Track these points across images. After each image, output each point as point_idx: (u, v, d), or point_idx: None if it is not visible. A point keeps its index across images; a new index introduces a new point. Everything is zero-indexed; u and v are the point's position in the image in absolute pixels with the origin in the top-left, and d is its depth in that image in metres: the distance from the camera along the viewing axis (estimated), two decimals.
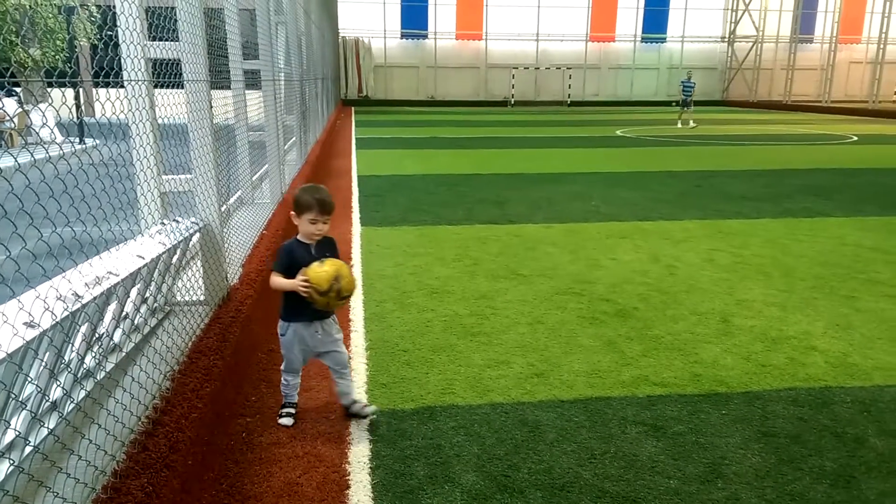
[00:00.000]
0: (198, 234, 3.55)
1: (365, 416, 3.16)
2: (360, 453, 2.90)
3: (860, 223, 7.84)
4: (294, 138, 9.75)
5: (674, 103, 25.11)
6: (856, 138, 19.61)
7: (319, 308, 2.96)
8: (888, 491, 2.69)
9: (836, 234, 7.28)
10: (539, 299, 5.06)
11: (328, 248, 3.09)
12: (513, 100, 39.68)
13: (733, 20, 42.07)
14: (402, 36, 40.23)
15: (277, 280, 3.00)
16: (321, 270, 2.88)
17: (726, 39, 42.82)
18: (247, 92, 6.16)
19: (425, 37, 40.19)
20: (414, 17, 39.55)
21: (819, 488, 2.71)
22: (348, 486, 2.66)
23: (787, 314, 4.75)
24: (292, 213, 3.03)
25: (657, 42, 42.08)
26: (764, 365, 3.90)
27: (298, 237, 3.06)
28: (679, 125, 23.17)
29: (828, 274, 5.74)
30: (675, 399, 3.48)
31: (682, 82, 24.41)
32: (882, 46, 33.09)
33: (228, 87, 5.67)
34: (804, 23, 41.01)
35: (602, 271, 5.82)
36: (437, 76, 40.57)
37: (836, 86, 38.28)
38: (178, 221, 3.42)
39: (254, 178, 6.41)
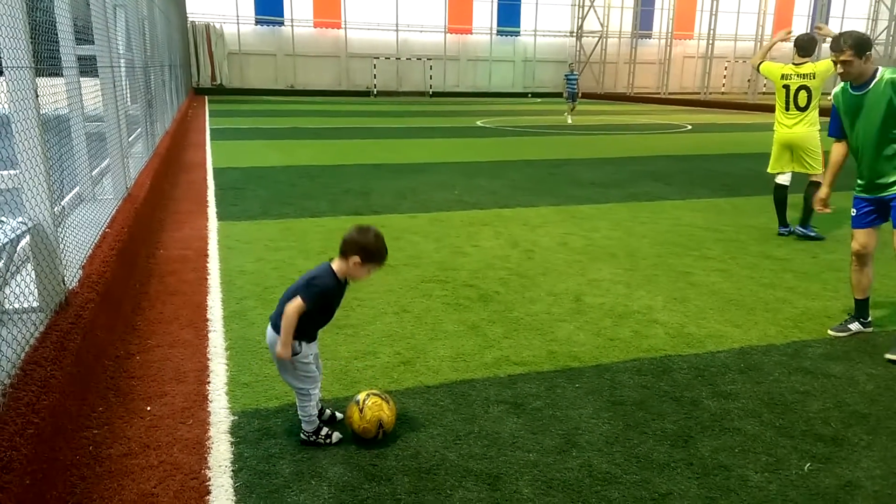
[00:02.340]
0: (27, 236, 3.23)
1: (339, 420, 3.09)
2: (220, 457, 2.79)
3: (693, 205, 8.60)
4: (140, 129, 9.12)
5: (564, 96, 25.15)
6: (690, 127, 21.44)
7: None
8: (720, 447, 2.99)
9: (673, 215, 7.94)
10: (405, 288, 5.11)
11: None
12: (375, 90, 39.51)
13: (580, 16, 44.40)
14: (257, 22, 38.74)
15: (291, 324, 2.74)
16: (364, 424, 2.89)
17: (574, 34, 45.13)
18: (82, 80, 5.67)
19: (281, 24, 38.96)
20: (268, 3, 38.20)
21: (661, 449, 2.96)
22: (209, 492, 2.56)
23: (631, 291, 5.12)
24: (356, 258, 2.78)
25: (511, 35, 43.55)
26: (612, 339, 4.19)
27: (337, 272, 2.84)
28: (569, 119, 22.51)
29: (666, 252, 6.25)
30: (533, 377, 3.65)
31: (566, 76, 23.80)
32: (711, 42, 36.37)
33: (60, 75, 5.19)
34: (643, 19, 44.10)
35: (465, 258, 5.97)
36: (297, 65, 39.52)
37: (672, 78, 41.60)
38: (2, 222, 3.09)
39: (94, 173, 5.93)
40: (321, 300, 2.81)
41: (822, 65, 6.47)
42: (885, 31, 33.17)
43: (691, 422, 3.20)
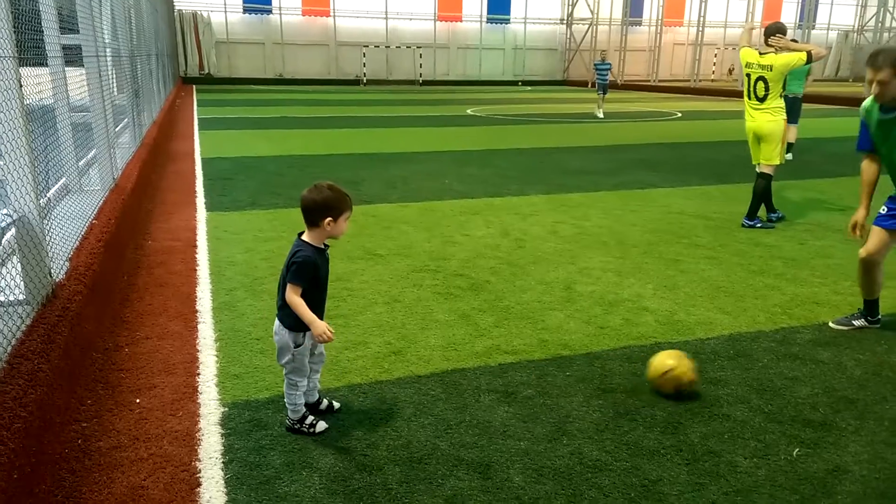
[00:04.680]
0: (12, 229, 3.20)
1: (336, 410, 3.09)
2: (211, 449, 2.79)
3: (684, 192, 8.61)
4: (126, 119, 9.03)
5: (590, 84, 22.09)
6: (680, 114, 21.46)
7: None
8: (709, 433, 3.01)
9: (663, 203, 7.95)
10: (396, 278, 5.10)
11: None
12: (365, 78, 39.28)
13: (570, 3, 44.22)
14: (245, 10, 38.36)
15: (302, 306, 2.72)
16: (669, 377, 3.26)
17: (565, 21, 44.97)
18: (67, 69, 5.59)
19: (269, 12, 38.60)
20: None
21: (651, 436, 2.98)
22: (199, 484, 2.55)
23: (622, 279, 5.13)
24: (327, 219, 2.75)
25: (501, 23, 43.34)
26: (602, 327, 4.20)
27: (312, 242, 2.81)
28: (600, 113, 19.99)
29: (656, 240, 6.27)
30: (524, 365, 3.65)
31: (596, 65, 21.15)
32: (701, 29, 36.34)
33: (45, 64, 5.12)
34: (634, 6, 43.96)
35: (456, 247, 5.96)
36: (286, 53, 39.21)
37: (662, 66, 41.56)
38: None
39: (80, 164, 5.87)
40: (309, 272, 2.78)
41: (782, 59, 6.39)
42: (874, 18, 33.25)
43: (681, 408, 3.22)
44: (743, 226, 6.78)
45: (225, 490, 2.54)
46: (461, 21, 42.42)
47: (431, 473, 2.67)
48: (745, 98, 6.77)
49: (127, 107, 9.02)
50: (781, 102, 6.65)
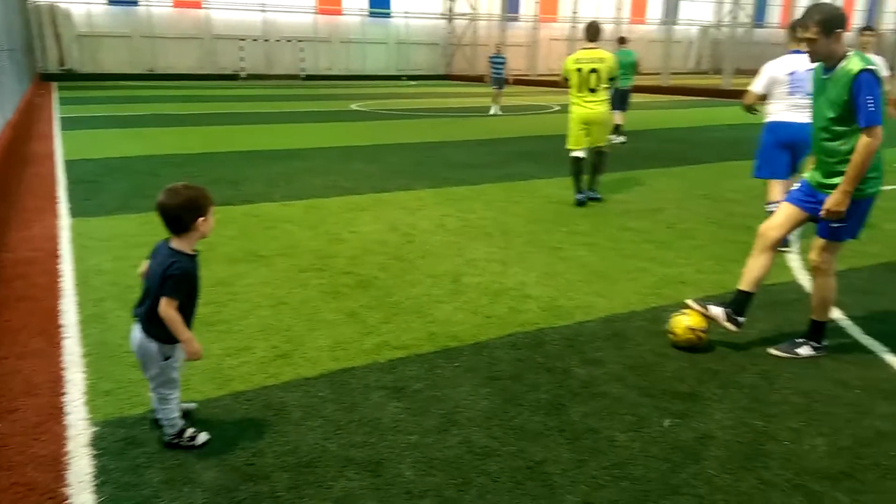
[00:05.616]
0: None
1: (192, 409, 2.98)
2: (80, 472, 2.61)
3: (562, 182, 8.92)
4: None
5: (485, 79, 20.20)
6: (557, 108, 22.25)
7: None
8: (588, 412, 3.16)
9: (544, 193, 8.24)
10: (281, 279, 4.97)
11: None
12: (244, 73, 37.90)
13: None
14: (109, 2, 35.92)
15: (179, 322, 2.59)
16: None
17: (446, 16, 45.45)
18: None
19: (136, 3, 36.36)
20: None
21: (536, 419, 3.08)
22: None
23: (506, 268, 5.27)
24: (199, 220, 2.60)
25: (383, 17, 43.17)
26: (489, 316, 4.30)
27: (184, 249, 2.63)
28: (494, 111, 19.31)
29: (539, 230, 6.49)
30: (413, 359, 3.68)
31: (491, 58, 19.55)
32: (574, 25, 37.86)
33: None
34: (511, 2, 45.10)
35: (343, 245, 5.89)
36: (156, 47, 37.05)
37: (540, 61, 42.94)
38: None
39: None
40: (186, 286, 2.67)
41: (610, 56, 7.49)
42: (730, 14, 35.89)
43: (563, 390, 3.36)
44: (590, 197, 7.70)
45: None
46: (342, 14, 41.83)
47: (321, 476, 2.64)
48: (576, 91, 7.57)
49: None
50: (607, 94, 7.60)
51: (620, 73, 9.86)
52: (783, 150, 5.74)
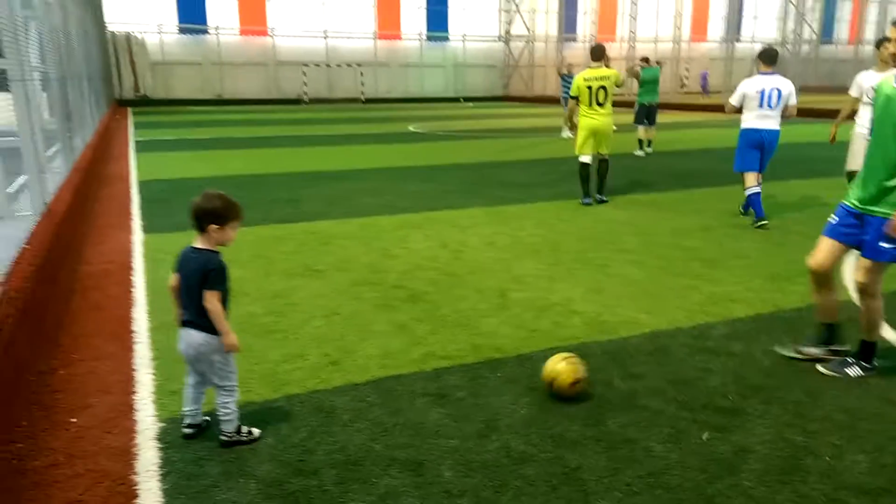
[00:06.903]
0: None
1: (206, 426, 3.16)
2: (148, 462, 2.84)
3: (613, 201, 8.97)
4: (58, 143, 8.87)
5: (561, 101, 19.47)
6: (616, 128, 22.16)
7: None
8: (627, 423, 3.22)
9: (594, 211, 8.28)
10: (335, 292, 5.20)
11: None
12: (307, 97, 39.15)
13: (507, 20, 45.19)
14: (180, 31, 37.80)
15: (222, 314, 2.91)
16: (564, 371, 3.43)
17: (503, 39, 45.89)
18: None
19: (206, 32, 38.14)
20: (191, 11, 37.26)
21: (574, 428, 3.17)
22: (136, 496, 2.61)
23: (553, 284, 5.36)
24: (213, 226, 2.89)
25: (441, 40, 43.92)
26: (533, 330, 4.40)
27: (208, 247, 2.95)
28: (566, 133, 17.59)
29: (586, 247, 6.55)
30: (458, 369, 3.81)
31: (563, 76, 19.05)
32: (632, 44, 37.64)
33: None
34: (567, 23, 45.24)
35: (395, 260, 6.10)
36: (224, 74, 38.75)
37: None
38: None
39: (9, 190, 5.78)
40: (226, 277, 2.96)
41: (615, 73, 8.57)
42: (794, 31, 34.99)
43: (602, 401, 3.43)
44: (597, 200, 8.74)
45: (163, 500, 2.60)
46: (401, 39, 42.79)
47: (366, 474, 2.80)
48: (586, 106, 8.57)
49: (58, 131, 8.86)
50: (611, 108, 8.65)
51: (645, 88, 12.44)
52: (754, 149, 7.36)
